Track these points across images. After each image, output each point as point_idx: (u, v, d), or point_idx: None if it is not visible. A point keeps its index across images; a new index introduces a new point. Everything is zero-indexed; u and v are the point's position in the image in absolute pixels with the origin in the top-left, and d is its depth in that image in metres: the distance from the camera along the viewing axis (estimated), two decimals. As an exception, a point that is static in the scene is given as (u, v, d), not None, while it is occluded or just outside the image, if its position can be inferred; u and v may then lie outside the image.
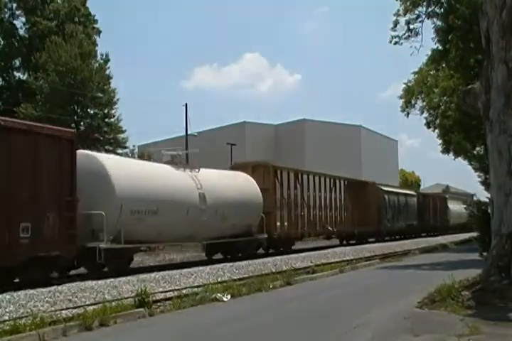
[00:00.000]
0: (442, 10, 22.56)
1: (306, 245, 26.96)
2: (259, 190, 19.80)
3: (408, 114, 31.76)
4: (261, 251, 21.12)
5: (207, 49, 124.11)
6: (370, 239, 30.07)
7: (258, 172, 20.96)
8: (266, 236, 19.86)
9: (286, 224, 22.15)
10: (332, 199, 26.89)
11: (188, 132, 41.43)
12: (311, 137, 57.95)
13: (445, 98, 29.80)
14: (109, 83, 40.17)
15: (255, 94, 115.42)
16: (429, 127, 32.69)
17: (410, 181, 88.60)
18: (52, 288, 9.94)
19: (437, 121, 31.80)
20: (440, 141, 32.77)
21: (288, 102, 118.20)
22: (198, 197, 16.47)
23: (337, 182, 27.95)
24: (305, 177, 24.57)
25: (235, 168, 22.11)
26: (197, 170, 17.60)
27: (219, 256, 19.26)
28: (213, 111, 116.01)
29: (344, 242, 28.79)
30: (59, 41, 37.71)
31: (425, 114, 32.24)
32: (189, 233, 16.27)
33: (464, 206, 51.99)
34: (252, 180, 20.05)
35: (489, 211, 11.88)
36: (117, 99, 40.34)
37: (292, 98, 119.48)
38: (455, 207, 49.89)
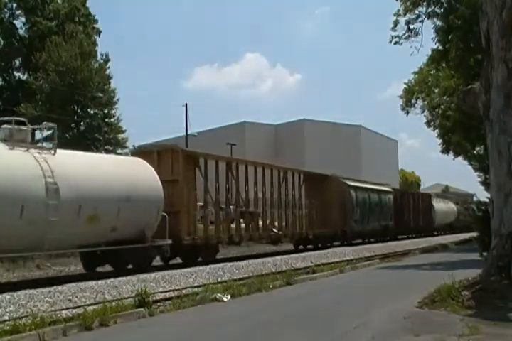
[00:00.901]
0: (442, 10, 22.62)
1: (239, 252, 22.41)
2: (158, 182, 15.08)
3: (408, 112, 31.77)
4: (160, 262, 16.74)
5: (207, 49, 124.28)
6: (335, 243, 25.84)
7: (165, 159, 16.59)
8: (169, 242, 15.25)
9: (211, 226, 18.30)
10: (282, 196, 22.34)
11: (188, 132, 41.45)
12: (311, 137, 57.98)
13: (445, 98, 29.82)
14: (109, 83, 40.21)
15: (256, 94, 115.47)
16: (429, 126, 32.73)
17: (410, 181, 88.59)
18: (52, 288, 9.94)
19: (437, 121, 31.82)
20: (440, 141, 32.80)
21: (288, 102, 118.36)
22: (43, 189, 11.58)
23: (289, 175, 23.32)
24: (242, 168, 20.26)
25: (135, 153, 18.02)
26: (52, 151, 12.70)
27: (219, 256, 19.21)
28: (213, 111, 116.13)
29: (301, 247, 24.62)
30: (59, 41, 37.73)
31: (425, 113, 32.29)
32: (28, 240, 11.44)
33: (453, 205, 50.55)
34: (150, 167, 15.38)
35: (489, 211, 11.86)
36: (117, 99, 40.39)
37: (292, 98, 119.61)
38: (441, 205, 47.01)
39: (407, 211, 37.01)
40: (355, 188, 28.22)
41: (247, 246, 24.69)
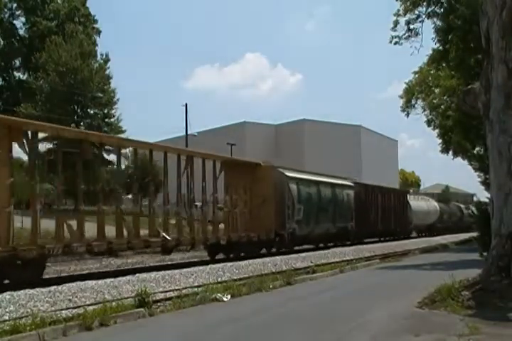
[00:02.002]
0: (442, 10, 22.62)
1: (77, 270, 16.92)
2: None
3: (408, 114, 31.83)
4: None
5: (208, 49, 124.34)
6: (269, 251, 20.87)
7: None
8: None
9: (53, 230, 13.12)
10: (183, 190, 17.42)
11: (188, 132, 41.46)
12: (311, 137, 58.00)
13: (445, 98, 29.83)
14: (109, 83, 40.24)
15: (256, 94, 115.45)
16: (429, 125, 32.75)
17: (410, 181, 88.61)
18: (52, 288, 9.94)
19: (437, 121, 31.84)
20: (440, 141, 32.81)
21: (289, 102, 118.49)
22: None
23: (197, 161, 17.94)
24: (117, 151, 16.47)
25: None
26: None
27: (220, 256, 19.21)
28: (214, 111, 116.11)
29: (220, 257, 19.30)
30: (59, 41, 37.76)
31: (426, 113, 32.32)
32: None
33: (436, 203, 45.40)
34: None
35: (489, 211, 11.87)
36: (117, 99, 40.40)
37: (293, 98, 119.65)
38: (420, 204, 41.68)
39: (374, 210, 30.96)
40: (298, 180, 22.22)
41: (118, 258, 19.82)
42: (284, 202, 21.03)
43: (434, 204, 45.23)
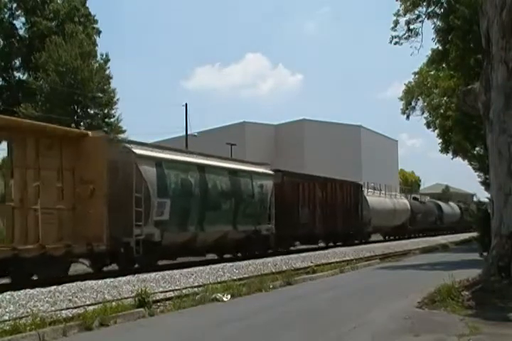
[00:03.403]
0: (442, 10, 22.65)
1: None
2: None
3: (408, 116, 31.90)
4: None
5: (209, 49, 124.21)
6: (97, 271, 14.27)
7: None
8: None
9: None
10: None
11: (189, 132, 41.45)
12: (311, 137, 57.97)
13: (445, 98, 29.86)
14: (109, 83, 40.18)
15: (257, 94, 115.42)
16: (429, 127, 32.80)
17: (410, 181, 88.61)
18: (52, 288, 9.94)
19: (437, 121, 31.87)
20: (440, 141, 32.84)
21: (289, 102, 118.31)
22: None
23: None
24: None
25: None
26: None
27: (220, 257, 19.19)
28: (214, 111, 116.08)
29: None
30: (59, 41, 37.70)
31: (425, 114, 32.38)
32: None
33: (406, 200, 37.53)
34: None
35: (489, 211, 11.88)
36: (117, 99, 40.36)
37: (294, 98, 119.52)
38: (383, 201, 33.05)
39: (308, 207, 23.53)
40: (160, 162, 15.03)
41: None
42: (129, 194, 13.82)
43: (403, 202, 37.13)
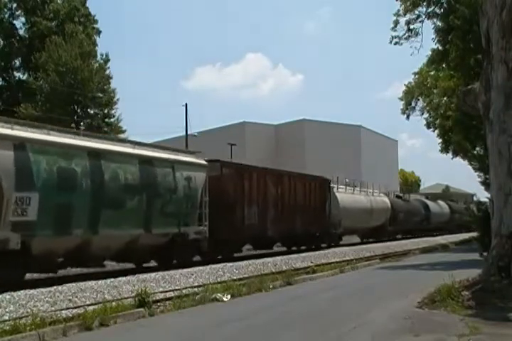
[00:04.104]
0: (442, 10, 22.64)
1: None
2: None
3: (408, 116, 31.92)
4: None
5: (209, 49, 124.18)
6: None
7: None
8: None
9: None
10: None
11: (189, 132, 41.43)
12: (311, 137, 57.98)
13: (445, 98, 29.86)
14: (109, 83, 40.18)
15: (257, 94, 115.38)
16: (429, 127, 32.81)
17: (410, 181, 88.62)
18: (52, 288, 9.94)
19: (437, 122, 31.88)
20: (440, 140, 32.84)
21: (289, 102, 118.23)
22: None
23: None
24: None
25: None
26: None
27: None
28: (215, 111, 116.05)
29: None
30: (59, 41, 37.70)
31: (425, 115, 32.40)
32: None
33: (386, 198, 33.32)
34: None
35: (489, 211, 11.88)
36: (117, 99, 40.36)
37: (294, 98, 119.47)
38: (357, 199, 28.97)
39: (256, 206, 19.68)
40: (20, 142, 11.40)
41: None
42: None
43: (383, 200, 32.79)
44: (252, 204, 19.42)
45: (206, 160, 17.22)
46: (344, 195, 27.50)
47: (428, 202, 42.33)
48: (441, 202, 45.98)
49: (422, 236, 35.53)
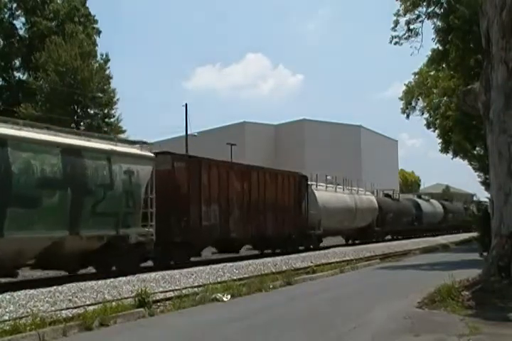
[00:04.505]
0: (442, 10, 22.63)
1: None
2: None
3: (408, 115, 31.92)
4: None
5: (209, 49, 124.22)
6: None
7: None
8: None
9: None
10: None
11: (189, 132, 41.44)
12: (311, 137, 58.00)
13: (445, 98, 29.86)
14: (109, 83, 40.19)
15: (257, 94, 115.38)
16: (429, 127, 32.81)
17: (410, 181, 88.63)
18: (52, 288, 9.94)
19: (437, 122, 31.87)
20: (440, 141, 32.83)
21: (290, 102, 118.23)
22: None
23: None
24: None
25: None
26: None
27: (221, 256, 19.16)
28: (215, 111, 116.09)
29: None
30: (59, 41, 37.71)
31: (425, 115, 32.40)
32: None
33: (372, 197, 31.21)
34: None
35: (489, 211, 11.89)
36: (117, 99, 40.36)
37: (294, 98, 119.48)
38: (340, 198, 26.68)
39: (217, 205, 17.55)
40: None
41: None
42: None
43: (368, 199, 30.44)
44: (211, 202, 17.27)
45: (155, 153, 15.17)
46: (324, 193, 25.38)
47: (420, 201, 40.40)
48: (434, 202, 43.68)
49: (414, 237, 33.92)
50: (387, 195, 35.95)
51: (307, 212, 23.03)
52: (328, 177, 28.52)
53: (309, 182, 24.30)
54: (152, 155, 14.85)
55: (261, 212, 19.81)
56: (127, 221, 13.65)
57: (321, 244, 25.04)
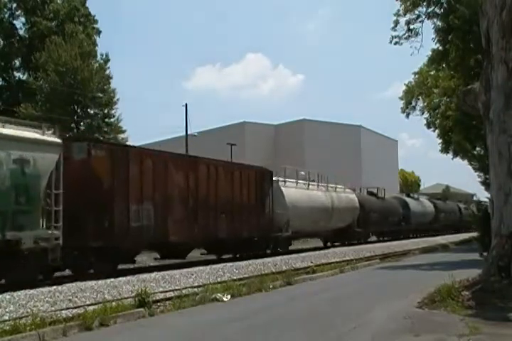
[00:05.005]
0: (442, 10, 22.64)
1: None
2: None
3: (408, 115, 31.94)
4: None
5: (209, 49, 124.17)
6: None
7: None
8: None
9: None
10: None
11: (189, 132, 41.45)
12: (311, 137, 57.98)
13: (445, 98, 29.87)
14: (109, 83, 40.20)
15: (257, 94, 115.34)
16: (429, 127, 32.83)
17: (410, 181, 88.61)
18: (52, 288, 9.95)
19: (437, 122, 31.89)
20: (440, 141, 32.85)
21: (290, 103, 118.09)
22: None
23: None
24: None
25: None
26: None
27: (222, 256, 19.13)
28: (215, 111, 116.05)
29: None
30: (59, 41, 37.73)
31: (425, 115, 32.42)
32: None
33: (353, 195, 28.59)
34: None
35: (489, 211, 11.89)
36: (117, 99, 40.38)
37: (294, 98, 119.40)
38: (311, 196, 24.06)
39: (150, 203, 14.93)
40: None
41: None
42: None
43: (347, 197, 27.92)
44: (143, 199, 14.57)
45: (64, 138, 12.71)
46: (293, 191, 22.73)
47: (408, 199, 37.82)
48: (424, 200, 41.34)
49: (402, 239, 31.73)
50: (371, 193, 33.09)
51: (272, 211, 20.56)
52: (301, 172, 25.94)
53: (276, 178, 21.89)
54: (58, 140, 12.04)
55: (212, 212, 17.19)
56: (19, 221, 10.94)
57: (294, 247, 23.05)
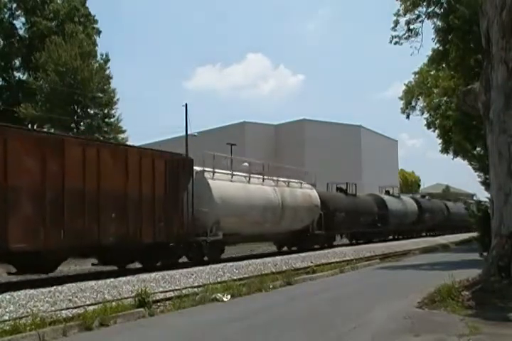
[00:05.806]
0: (442, 10, 22.64)
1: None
2: None
3: (408, 115, 31.92)
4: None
5: (210, 49, 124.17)
6: None
7: None
8: None
9: None
10: None
11: (189, 132, 41.44)
12: (311, 137, 57.98)
13: (445, 98, 29.86)
14: (109, 83, 40.24)
15: (258, 94, 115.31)
16: (429, 127, 32.80)
17: (410, 181, 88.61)
18: (52, 288, 9.94)
19: (437, 122, 31.88)
20: (440, 141, 32.83)
21: (290, 103, 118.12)
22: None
23: None
24: None
25: None
26: None
27: (223, 255, 19.12)
28: (215, 111, 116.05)
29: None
30: (59, 41, 37.76)
31: (425, 115, 32.40)
32: None
33: (313, 191, 23.72)
34: None
35: (489, 211, 11.89)
36: (117, 99, 40.40)
37: (294, 98, 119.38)
38: (252, 191, 19.65)
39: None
40: None
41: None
42: None
43: (305, 193, 23.34)
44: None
45: None
46: (226, 184, 18.33)
47: (386, 197, 32.96)
48: (406, 199, 36.57)
49: (374, 242, 28.13)
50: (340, 190, 28.64)
51: (192, 209, 16.28)
52: (245, 163, 22.16)
53: (201, 169, 17.73)
54: None
55: (91, 210, 12.75)
56: None
57: (236, 255, 19.74)
